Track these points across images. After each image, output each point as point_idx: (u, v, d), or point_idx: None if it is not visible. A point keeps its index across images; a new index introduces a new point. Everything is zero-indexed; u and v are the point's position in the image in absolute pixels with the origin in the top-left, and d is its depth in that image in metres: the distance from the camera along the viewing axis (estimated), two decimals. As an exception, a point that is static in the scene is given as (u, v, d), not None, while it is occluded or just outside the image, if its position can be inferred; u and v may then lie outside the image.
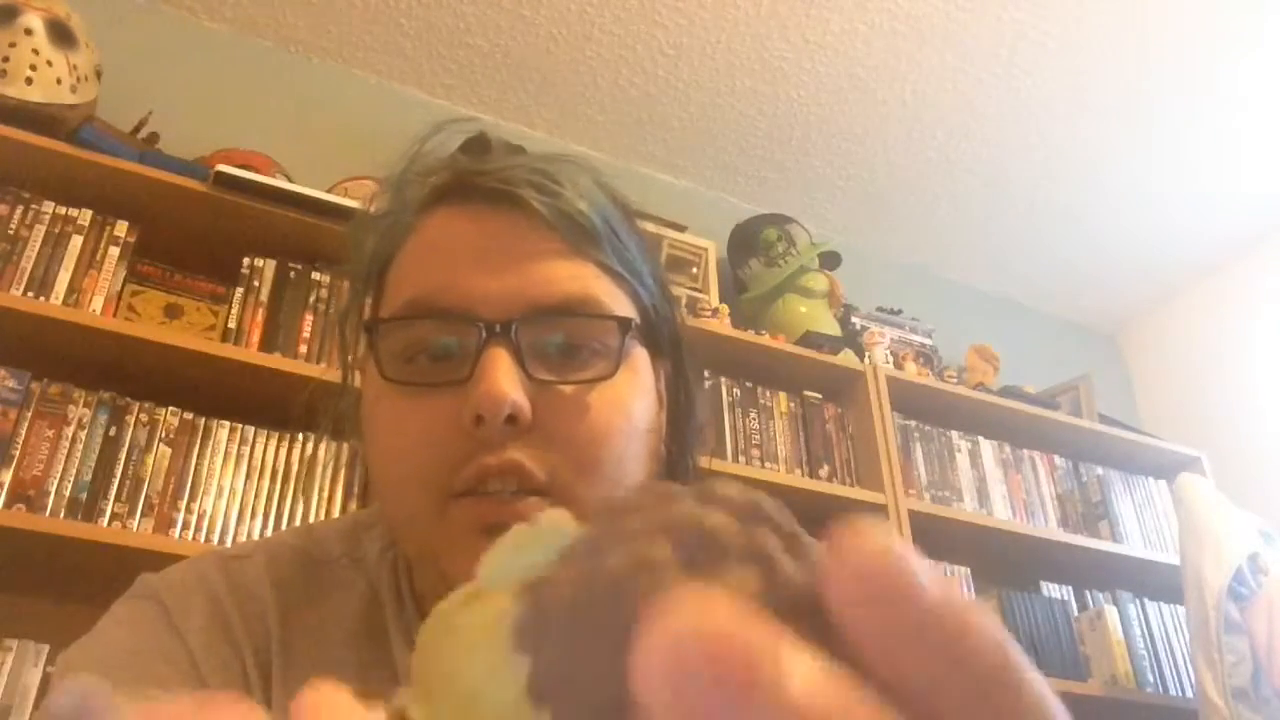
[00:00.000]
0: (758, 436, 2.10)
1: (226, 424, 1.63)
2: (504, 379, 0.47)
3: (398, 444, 0.51)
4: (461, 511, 0.48)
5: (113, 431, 1.55)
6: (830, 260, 2.49)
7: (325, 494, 1.62)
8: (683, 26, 2.28)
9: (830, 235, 2.62)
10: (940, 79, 2.39)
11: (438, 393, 0.49)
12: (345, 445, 1.51)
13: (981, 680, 0.15)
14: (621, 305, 0.53)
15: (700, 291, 2.35)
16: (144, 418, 1.58)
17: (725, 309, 2.24)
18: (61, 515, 1.45)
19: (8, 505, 1.42)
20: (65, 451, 1.49)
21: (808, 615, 0.15)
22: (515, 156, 0.57)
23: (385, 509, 0.56)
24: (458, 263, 0.52)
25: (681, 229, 2.42)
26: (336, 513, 1.62)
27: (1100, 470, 2.53)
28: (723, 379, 2.13)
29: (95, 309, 1.60)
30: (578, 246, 0.52)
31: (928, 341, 2.58)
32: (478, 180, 0.54)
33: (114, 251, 1.66)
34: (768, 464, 2.07)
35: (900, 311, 2.62)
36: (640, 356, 0.55)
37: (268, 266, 1.77)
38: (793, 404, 2.19)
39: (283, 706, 0.53)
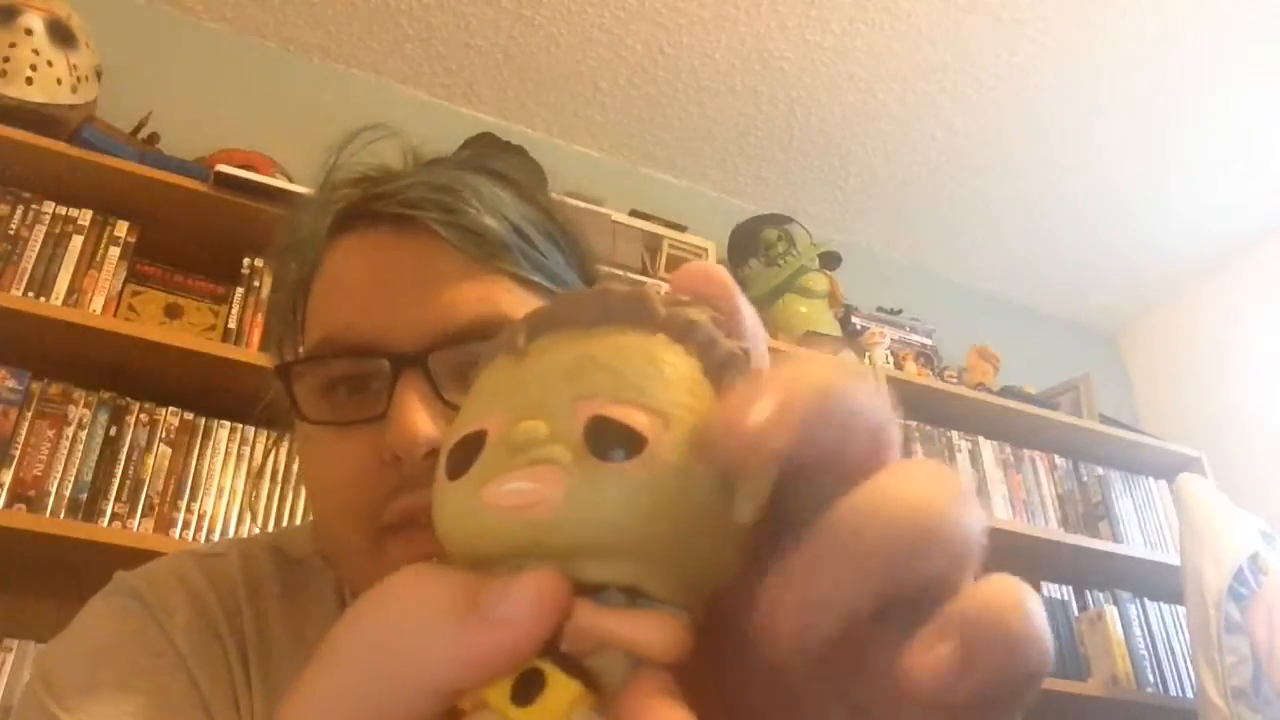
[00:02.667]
0: (758, 436, 2.09)
1: (226, 424, 1.63)
2: (417, 416, 0.46)
3: (325, 481, 0.51)
4: (398, 549, 0.48)
5: (113, 431, 1.55)
6: (830, 260, 2.48)
7: (325, 494, 1.62)
8: (683, 26, 2.28)
9: (830, 235, 2.62)
10: (940, 79, 2.39)
11: (358, 429, 0.49)
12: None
13: None
14: None
15: (700, 291, 2.34)
16: (144, 418, 1.58)
17: (725, 309, 2.23)
18: (61, 515, 1.45)
19: (8, 505, 1.42)
20: (65, 451, 1.49)
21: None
22: (422, 173, 0.55)
23: (320, 542, 0.57)
24: (362, 297, 0.51)
25: (681, 229, 2.42)
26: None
27: (1100, 470, 2.53)
28: (723, 379, 2.13)
29: (95, 309, 1.60)
30: (486, 263, 0.51)
31: (928, 341, 2.58)
32: (378, 205, 0.53)
33: (114, 251, 1.66)
34: (768, 464, 2.06)
35: (900, 311, 2.62)
36: None
37: (268, 266, 1.77)
38: (793, 404, 2.18)
39: (264, 698, 0.53)
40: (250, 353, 1.65)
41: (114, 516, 1.49)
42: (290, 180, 1.82)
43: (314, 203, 0.57)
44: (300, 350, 0.55)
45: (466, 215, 0.52)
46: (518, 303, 0.51)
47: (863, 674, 0.19)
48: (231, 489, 1.58)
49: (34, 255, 1.60)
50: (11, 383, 1.50)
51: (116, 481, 1.51)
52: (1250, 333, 2.87)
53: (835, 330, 2.36)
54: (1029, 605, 0.19)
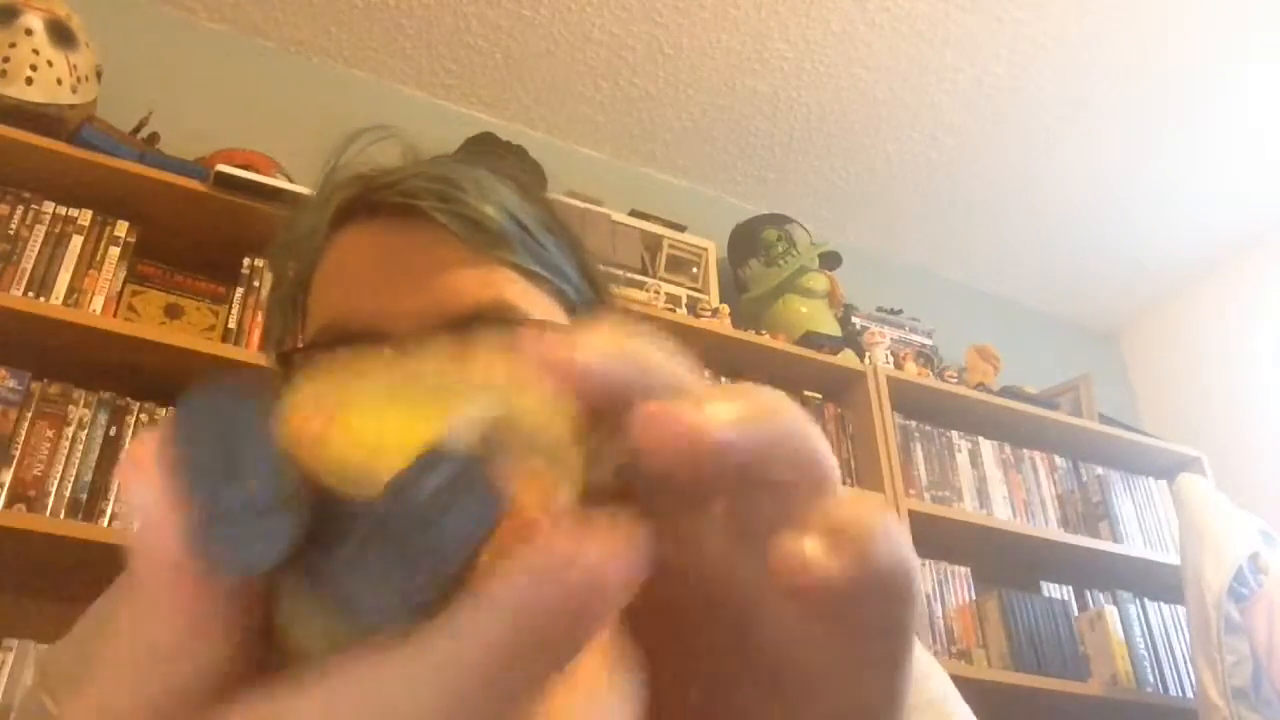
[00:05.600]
0: (758, 436, 2.09)
1: (226, 424, 1.63)
2: None
3: None
4: None
5: (113, 431, 1.55)
6: (830, 260, 2.49)
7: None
8: (683, 26, 2.28)
9: (830, 235, 2.62)
10: (940, 79, 2.39)
11: None
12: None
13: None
14: (540, 306, 0.53)
15: (700, 291, 2.35)
16: (144, 418, 1.59)
17: (725, 309, 2.24)
18: (61, 515, 1.45)
19: (8, 505, 1.42)
20: (65, 451, 1.49)
21: None
22: (422, 164, 0.56)
23: None
24: (364, 285, 0.52)
25: (681, 229, 2.42)
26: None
27: (1100, 470, 2.53)
28: (723, 379, 2.13)
29: (95, 309, 1.60)
30: (486, 251, 0.52)
31: (928, 341, 2.58)
32: (379, 195, 0.53)
33: (114, 251, 1.66)
34: (768, 464, 2.06)
35: (900, 311, 2.61)
36: None
37: (268, 267, 1.77)
38: (793, 404, 2.18)
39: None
40: (250, 353, 1.65)
41: (114, 516, 1.49)
42: (290, 180, 1.82)
43: (313, 201, 0.57)
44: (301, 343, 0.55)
45: (465, 204, 0.52)
46: (521, 291, 0.52)
47: (737, 586, 0.19)
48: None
49: (34, 255, 1.60)
50: (11, 383, 1.50)
51: (117, 481, 1.51)
52: (1250, 333, 2.87)
53: (835, 330, 2.36)
54: (885, 516, 0.18)
